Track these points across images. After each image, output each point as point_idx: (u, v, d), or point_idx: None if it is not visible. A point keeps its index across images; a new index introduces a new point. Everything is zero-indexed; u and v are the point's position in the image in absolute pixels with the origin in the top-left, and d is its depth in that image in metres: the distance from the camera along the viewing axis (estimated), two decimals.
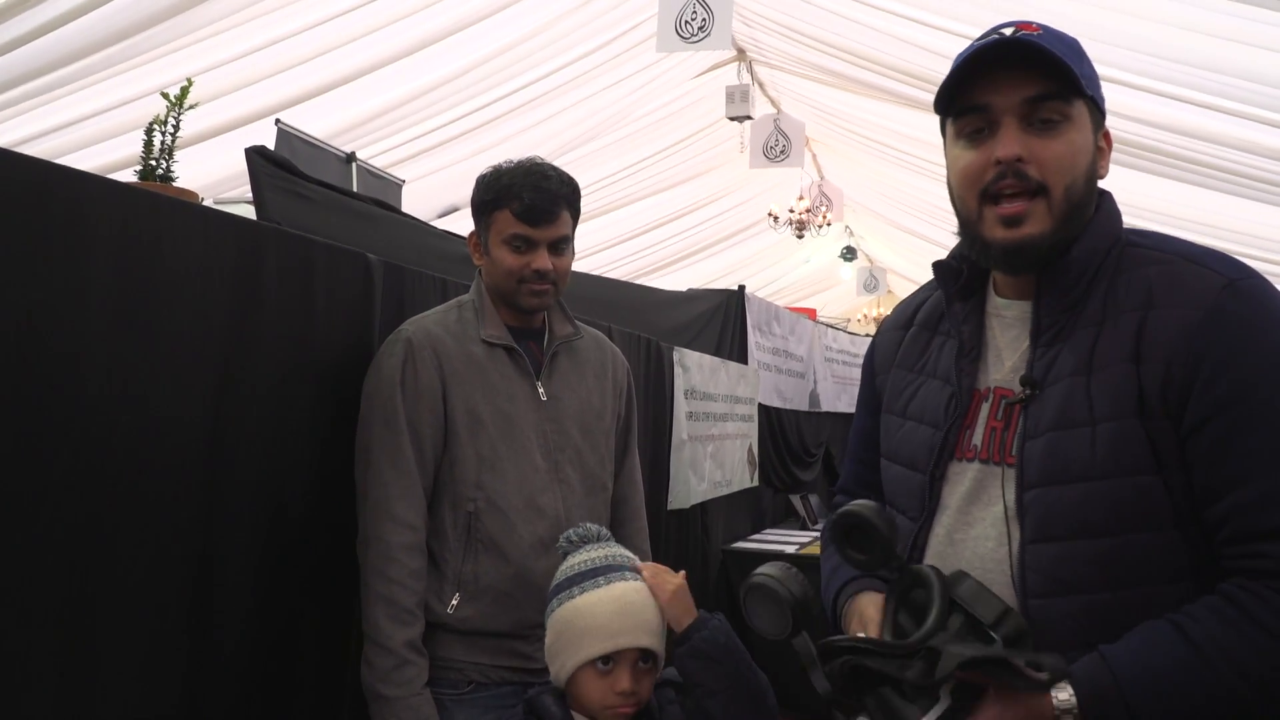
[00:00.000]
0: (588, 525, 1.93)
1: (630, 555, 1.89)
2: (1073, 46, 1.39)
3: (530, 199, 2.19)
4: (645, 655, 1.78)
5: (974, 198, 1.41)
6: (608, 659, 1.75)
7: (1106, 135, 1.43)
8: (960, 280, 1.51)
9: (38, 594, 1.50)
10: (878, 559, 1.32)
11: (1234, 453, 1.27)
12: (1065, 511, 1.32)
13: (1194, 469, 1.29)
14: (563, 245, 2.27)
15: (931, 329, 1.60)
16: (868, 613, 1.47)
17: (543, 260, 2.22)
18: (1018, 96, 1.36)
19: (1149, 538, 1.30)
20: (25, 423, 1.47)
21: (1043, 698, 1.24)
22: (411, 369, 2.16)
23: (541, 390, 2.28)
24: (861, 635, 1.31)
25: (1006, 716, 1.24)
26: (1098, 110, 1.41)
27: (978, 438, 1.45)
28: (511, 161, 2.28)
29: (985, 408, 1.45)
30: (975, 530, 1.42)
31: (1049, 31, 1.38)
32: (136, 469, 1.67)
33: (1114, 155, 1.50)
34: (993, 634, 1.26)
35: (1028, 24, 1.39)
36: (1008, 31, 1.38)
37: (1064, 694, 1.24)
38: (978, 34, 1.46)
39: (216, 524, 1.87)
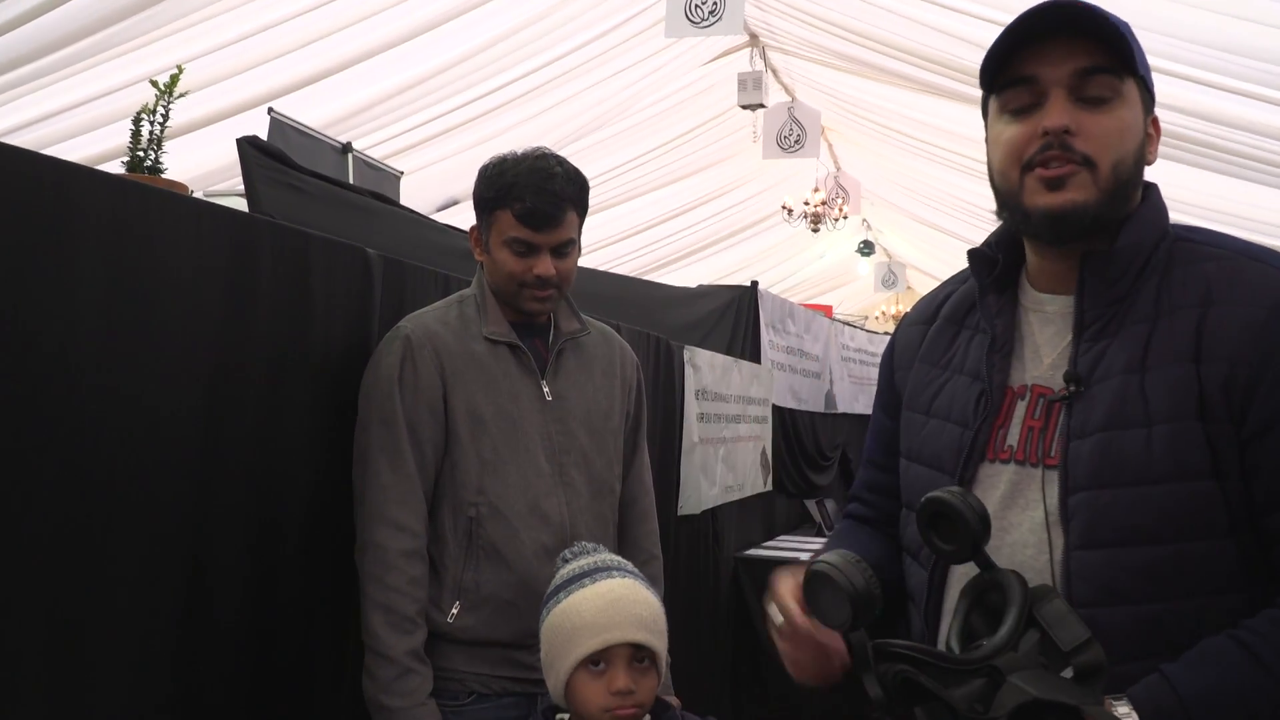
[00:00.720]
0: (583, 543, 1.93)
1: (623, 560, 1.89)
2: (1125, 26, 1.36)
3: (533, 202, 2.16)
4: (640, 653, 1.76)
5: (1016, 169, 1.39)
6: (599, 659, 1.73)
7: (1155, 122, 1.42)
8: (995, 270, 1.49)
9: (29, 594, 1.51)
10: (965, 551, 1.26)
11: None
12: (1116, 516, 1.30)
13: (1256, 475, 1.27)
14: (567, 248, 2.24)
15: (958, 323, 1.57)
16: (780, 588, 1.44)
17: (545, 265, 2.20)
18: (1068, 68, 1.34)
19: (1203, 546, 1.27)
20: (14, 419, 1.47)
21: (1106, 716, 1.21)
22: (411, 368, 2.16)
23: (546, 389, 2.28)
24: (921, 645, 1.27)
25: None
26: (1148, 93, 1.39)
27: (1013, 438, 1.42)
28: (517, 153, 2.24)
29: (1021, 406, 1.43)
30: (1012, 536, 1.39)
31: (1098, 8, 1.35)
32: (128, 467, 1.68)
33: (1162, 150, 1.48)
34: (1067, 661, 1.21)
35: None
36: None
37: (1123, 709, 1.21)
38: (1004, 18, 1.45)
39: (210, 523, 1.87)
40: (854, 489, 1.78)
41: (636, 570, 1.88)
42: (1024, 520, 1.38)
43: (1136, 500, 1.28)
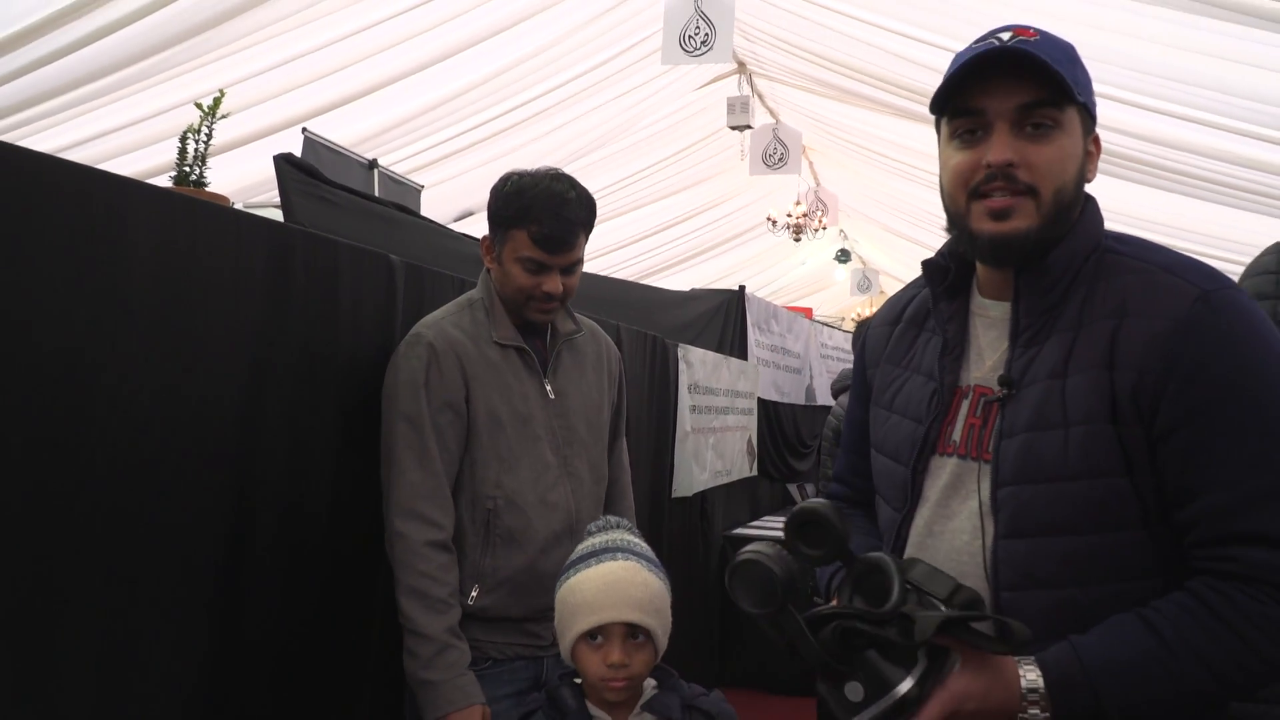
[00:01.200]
0: (608, 517, 1.95)
1: (634, 541, 1.89)
2: (1067, 52, 1.36)
3: (549, 228, 2.14)
4: (634, 631, 1.78)
5: (963, 195, 1.39)
6: (596, 634, 1.77)
7: (1096, 140, 1.41)
8: (947, 279, 1.49)
9: (81, 579, 1.51)
10: (831, 554, 1.28)
11: (1204, 459, 1.26)
12: (1036, 509, 1.32)
13: (1165, 473, 1.28)
14: (575, 267, 2.24)
15: (919, 325, 1.57)
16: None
17: (554, 284, 2.19)
18: (1011, 102, 1.33)
19: (1117, 537, 1.29)
20: (69, 416, 1.47)
21: (1012, 677, 1.24)
22: (436, 372, 2.13)
23: (549, 388, 2.27)
24: (842, 605, 1.28)
25: (975, 688, 1.23)
26: (1089, 116, 1.39)
27: (957, 433, 1.43)
28: (532, 173, 2.21)
29: (965, 405, 1.43)
30: (952, 523, 1.41)
31: (1046, 37, 1.36)
32: (173, 456, 1.68)
33: (1104, 166, 1.48)
34: (944, 608, 1.24)
35: (1025, 29, 1.36)
36: (1005, 36, 1.36)
37: (1032, 674, 1.24)
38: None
39: (246, 506, 1.87)
40: (836, 472, 1.80)
41: (645, 551, 1.88)
42: (962, 509, 1.40)
43: (1054, 495, 1.30)
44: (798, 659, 1.27)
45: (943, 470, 1.44)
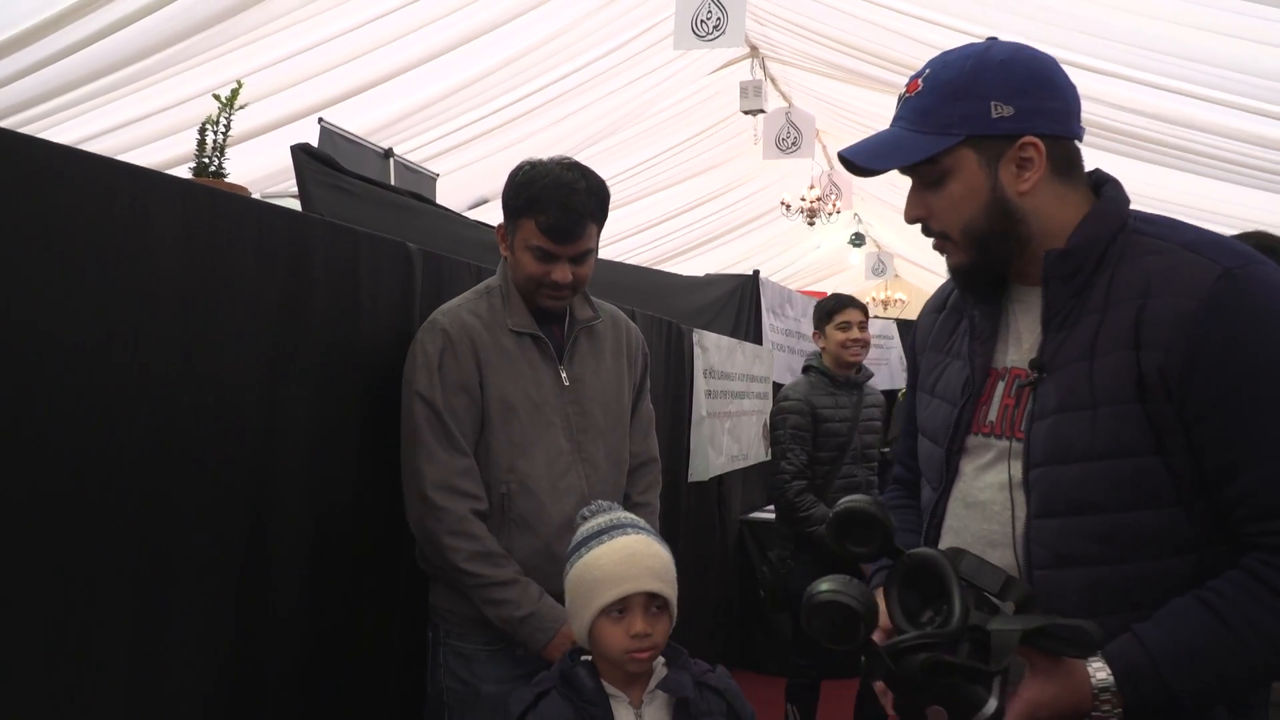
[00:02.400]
0: (599, 501, 1.97)
1: (636, 518, 1.92)
2: (957, 80, 1.39)
3: (556, 218, 2.16)
4: (654, 601, 1.80)
5: None
6: (620, 607, 1.78)
7: (1031, 145, 1.39)
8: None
9: (110, 564, 1.54)
10: (878, 550, 1.32)
11: (1244, 436, 1.27)
12: (1066, 490, 1.34)
13: (1204, 452, 1.29)
14: (585, 257, 2.25)
15: (960, 312, 1.60)
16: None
17: (563, 272, 2.21)
18: (894, 171, 1.43)
19: (1148, 515, 1.30)
20: (97, 405, 1.50)
21: (1083, 677, 1.26)
22: (451, 358, 2.17)
23: (564, 375, 2.29)
24: (923, 633, 1.27)
25: (1049, 694, 1.26)
26: (990, 138, 1.39)
27: (993, 414, 1.46)
28: (545, 162, 2.23)
29: (1001, 386, 1.47)
30: (984, 495, 1.45)
31: (931, 79, 1.42)
32: (200, 439, 1.71)
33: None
34: (997, 602, 1.27)
35: (914, 82, 1.44)
36: (901, 95, 1.46)
37: (1102, 674, 1.25)
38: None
39: (269, 497, 1.90)
40: (898, 455, 1.85)
41: (649, 527, 1.91)
42: (994, 485, 1.44)
43: (1084, 475, 1.32)
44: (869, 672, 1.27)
45: (979, 450, 1.48)
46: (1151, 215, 1.44)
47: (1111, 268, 1.38)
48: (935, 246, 1.48)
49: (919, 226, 1.48)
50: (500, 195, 2.33)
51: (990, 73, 1.39)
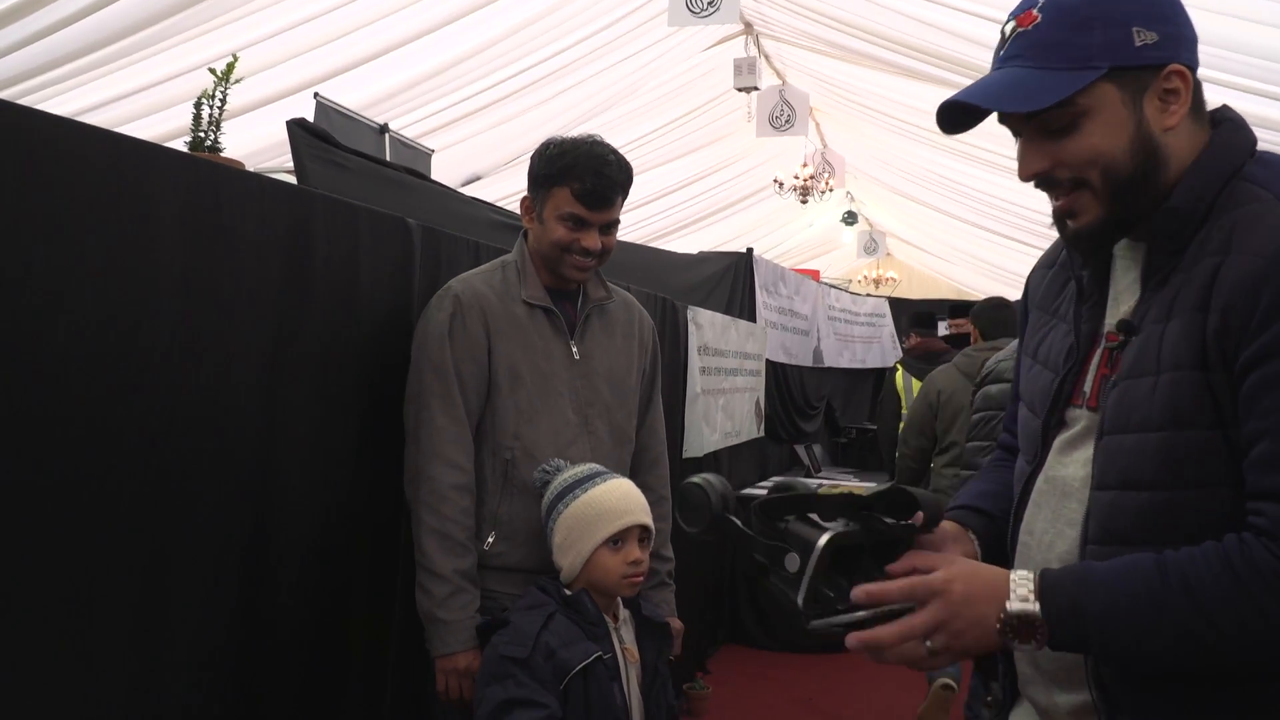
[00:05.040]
0: (554, 460, 2.13)
1: (608, 468, 2.13)
2: (1077, 17, 1.23)
3: (592, 184, 2.22)
4: (645, 533, 2.06)
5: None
6: (619, 538, 2.01)
7: (1177, 74, 1.24)
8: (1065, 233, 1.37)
9: (114, 541, 1.55)
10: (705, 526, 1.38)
11: (1260, 407, 1.15)
12: (1119, 461, 1.24)
13: (1245, 419, 1.16)
14: (612, 227, 2.31)
15: (1069, 271, 1.43)
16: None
17: (592, 240, 2.26)
18: (1017, 116, 1.27)
19: (1200, 494, 1.19)
20: (99, 376, 1.50)
21: (1001, 573, 1.22)
22: (460, 324, 2.20)
23: (575, 349, 2.32)
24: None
25: (969, 589, 1.21)
26: (1135, 68, 1.23)
27: (1089, 384, 1.34)
28: (574, 137, 2.29)
29: (1099, 354, 1.34)
30: (1067, 471, 1.34)
31: (1048, 14, 1.24)
32: (199, 421, 1.71)
33: None
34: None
35: (1027, 12, 1.26)
36: (1008, 30, 1.27)
37: (1024, 587, 1.19)
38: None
39: (272, 471, 1.91)
40: (1004, 422, 1.69)
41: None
42: (1077, 459, 1.33)
43: (1136, 447, 1.22)
44: (752, 571, 1.32)
45: (1075, 422, 1.35)
46: (1270, 158, 1.28)
47: (1212, 220, 1.23)
48: (1060, 209, 1.30)
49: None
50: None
51: None
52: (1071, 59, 1.22)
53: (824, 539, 1.24)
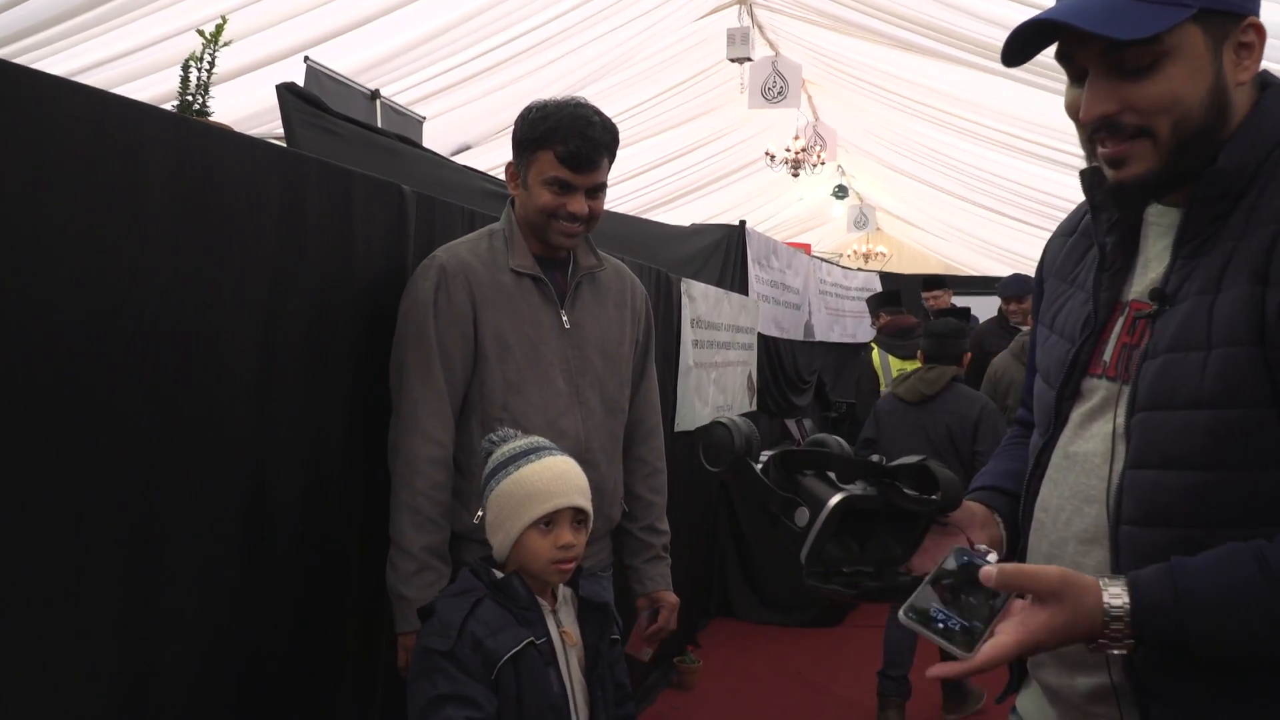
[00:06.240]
0: (504, 429, 2.00)
1: (552, 443, 1.97)
2: None
3: (575, 146, 2.16)
4: (579, 515, 1.90)
5: (1084, 133, 1.25)
6: (549, 520, 1.85)
7: (1254, 27, 1.19)
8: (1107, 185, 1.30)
9: (109, 496, 1.52)
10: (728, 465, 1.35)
11: None
12: (1163, 439, 1.18)
13: None
14: (599, 191, 2.25)
15: (1091, 237, 1.38)
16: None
17: (579, 204, 2.20)
18: (1094, 48, 1.17)
19: (1255, 475, 1.14)
20: (90, 344, 1.47)
21: (1095, 603, 1.12)
22: (445, 294, 2.16)
23: (565, 318, 2.28)
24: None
25: (1057, 621, 1.12)
26: (1222, 14, 1.17)
27: (1109, 353, 1.28)
28: (557, 100, 2.23)
29: (1121, 321, 1.28)
30: (1087, 446, 1.28)
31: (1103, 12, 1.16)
32: (191, 387, 1.68)
33: None
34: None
35: None
36: None
37: (1119, 600, 1.11)
38: None
39: (265, 436, 1.88)
40: (1021, 394, 1.62)
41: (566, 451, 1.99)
42: (1098, 433, 1.27)
43: (1184, 424, 1.16)
44: (762, 520, 1.31)
45: (1092, 393, 1.30)
46: None
47: (1260, 188, 1.18)
48: (1109, 156, 1.22)
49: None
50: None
51: None
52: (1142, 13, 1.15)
53: (836, 499, 1.22)
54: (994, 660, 1.12)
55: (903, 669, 4.19)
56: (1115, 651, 1.13)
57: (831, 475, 1.27)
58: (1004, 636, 1.12)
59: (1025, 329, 4.80)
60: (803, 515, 1.25)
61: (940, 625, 1.14)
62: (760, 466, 1.31)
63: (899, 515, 1.27)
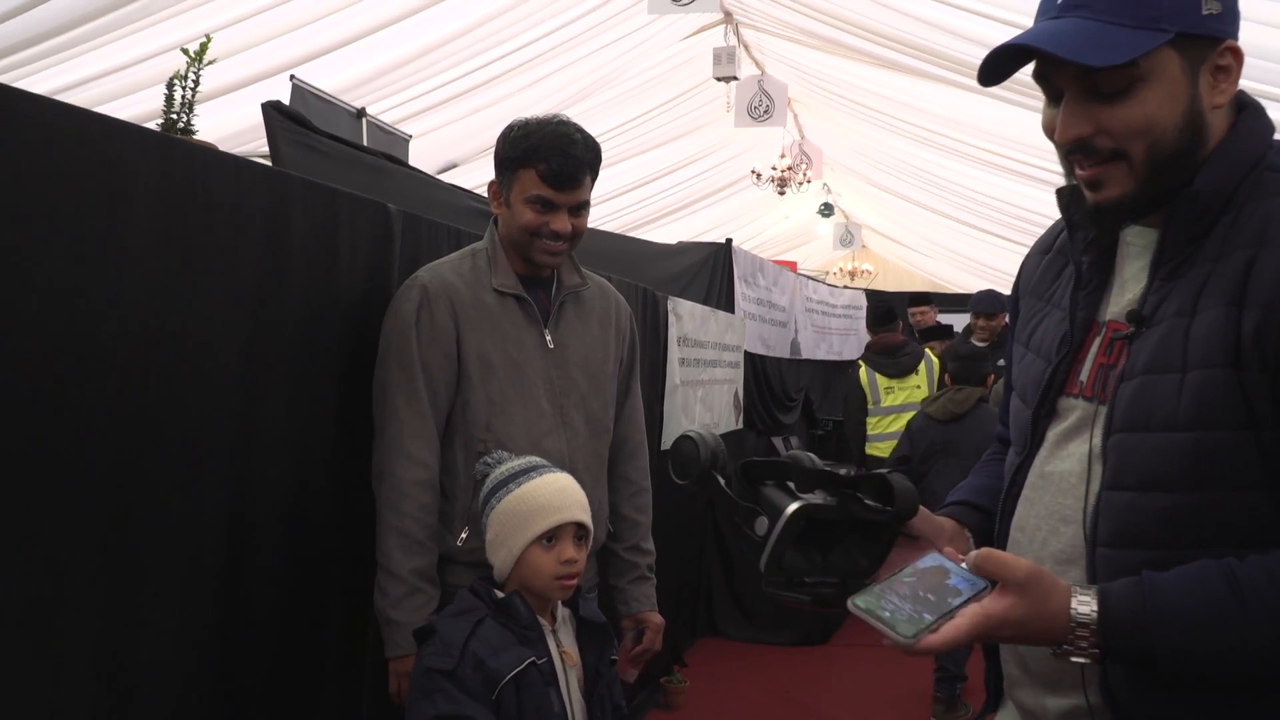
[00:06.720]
0: (499, 452, 2.01)
1: (549, 462, 1.98)
2: None
3: (557, 165, 2.15)
4: (581, 531, 1.91)
5: (1061, 153, 1.26)
6: (552, 536, 1.87)
7: (1231, 51, 1.19)
8: (1085, 205, 1.30)
9: (89, 511, 1.51)
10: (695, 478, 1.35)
11: None
12: (1139, 461, 1.18)
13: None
14: (581, 209, 2.24)
15: (1067, 255, 1.38)
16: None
17: (562, 222, 2.19)
18: (1070, 71, 1.18)
19: (1229, 497, 1.14)
20: (71, 362, 1.46)
21: (1061, 604, 1.12)
22: (427, 314, 2.14)
23: (549, 338, 2.27)
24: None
25: (1017, 612, 1.12)
26: (1198, 38, 1.17)
27: (1085, 373, 1.28)
28: (539, 118, 2.22)
29: (1098, 342, 1.28)
30: (1063, 465, 1.28)
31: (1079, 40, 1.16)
32: (174, 406, 1.67)
33: None
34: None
35: None
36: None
37: (1086, 608, 1.12)
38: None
39: (251, 456, 1.87)
40: (1001, 412, 1.60)
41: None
42: (1074, 453, 1.28)
43: (1160, 446, 1.16)
44: (727, 530, 1.31)
45: (1068, 413, 1.30)
46: None
47: (1235, 210, 1.18)
48: (1086, 179, 1.23)
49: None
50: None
51: None
52: (1140, 18, 1.15)
53: (793, 506, 1.22)
54: (947, 642, 1.11)
55: (958, 666, 4.41)
56: (1078, 660, 1.13)
57: (791, 485, 1.27)
58: (961, 620, 1.12)
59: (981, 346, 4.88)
60: (762, 524, 1.25)
61: (886, 614, 1.14)
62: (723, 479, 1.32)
63: (863, 528, 1.27)
